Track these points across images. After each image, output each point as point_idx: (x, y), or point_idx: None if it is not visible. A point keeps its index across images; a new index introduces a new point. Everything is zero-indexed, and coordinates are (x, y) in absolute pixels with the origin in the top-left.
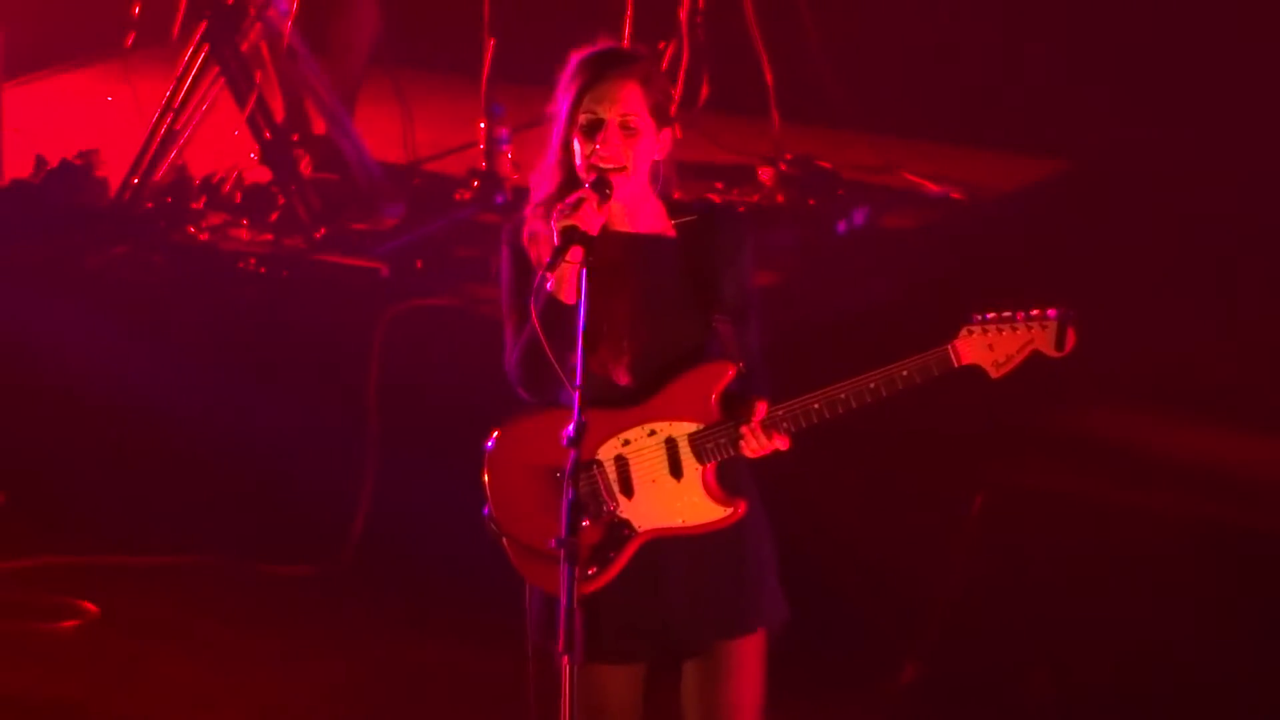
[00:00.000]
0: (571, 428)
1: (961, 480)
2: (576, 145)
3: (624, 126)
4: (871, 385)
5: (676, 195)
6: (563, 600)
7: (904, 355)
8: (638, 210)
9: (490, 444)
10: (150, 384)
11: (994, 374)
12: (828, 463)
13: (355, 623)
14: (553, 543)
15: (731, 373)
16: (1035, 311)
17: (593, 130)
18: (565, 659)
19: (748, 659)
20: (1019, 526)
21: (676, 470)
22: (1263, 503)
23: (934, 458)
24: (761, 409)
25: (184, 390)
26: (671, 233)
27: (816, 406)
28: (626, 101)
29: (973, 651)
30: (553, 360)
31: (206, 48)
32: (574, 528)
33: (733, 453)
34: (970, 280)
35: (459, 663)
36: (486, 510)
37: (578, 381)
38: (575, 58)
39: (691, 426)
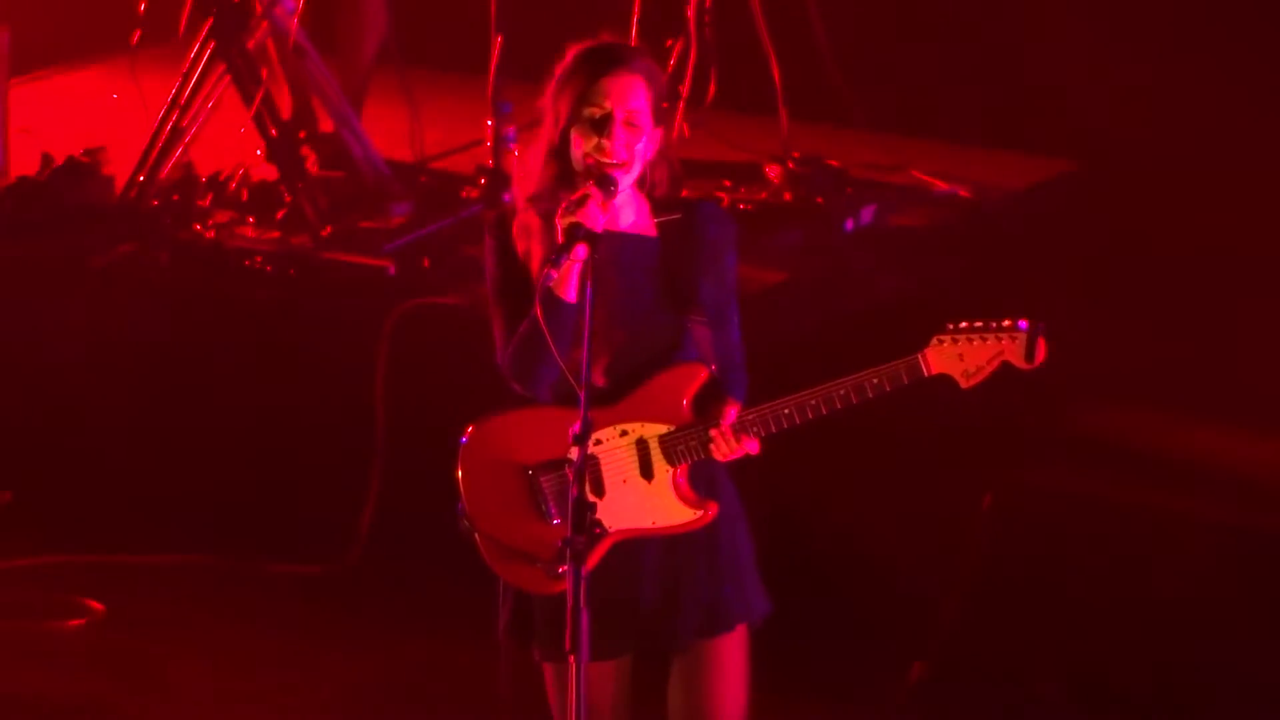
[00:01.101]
0: (578, 425)
1: (970, 479)
2: (575, 139)
3: (629, 123)
4: (842, 391)
5: (684, 194)
6: (569, 600)
7: (911, 354)
8: (621, 208)
9: (464, 440)
10: (156, 382)
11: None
12: (836, 461)
13: (362, 622)
14: (527, 545)
15: (704, 375)
16: (1006, 322)
17: (599, 125)
18: (571, 658)
19: (729, 656)
20: (1028, 526)
21: (647, 471)
22: (1274, 504)
23: (943, 456)
24: (732, 412)
25: (190, 388)
26: (653, 232)
27: (787, 411)
28: (634, 97)
29: (981, 651)
30: (557, 357)
31: (212, 45)
32: (580, 526)
33: (703, 455)
34: (978, 279)
35: (465, 660)
36: (460, 506)
37: (584, 379)
38: (575, 51)
39: (663, 428)
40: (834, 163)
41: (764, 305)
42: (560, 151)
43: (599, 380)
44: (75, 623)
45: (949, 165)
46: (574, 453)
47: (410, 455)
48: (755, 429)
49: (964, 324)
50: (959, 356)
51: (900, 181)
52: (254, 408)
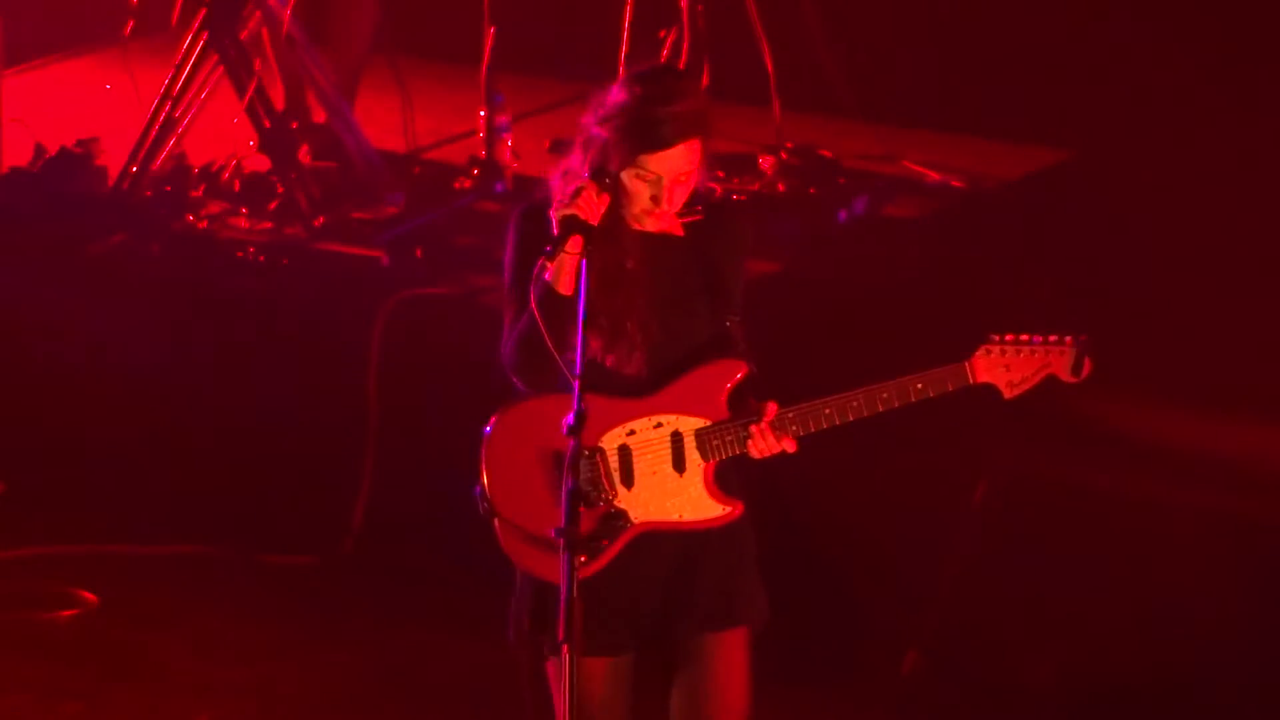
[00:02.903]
0: (571, 416)
1: (964, 467)
2: (628, 179)
3: (680, 182)
4: (885, 395)
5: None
6: (563, 589)
7: (905, 344)
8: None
9: (490, 424)
10: (149, 372)
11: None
12: (829, 449)
13: (356, 612)
14: (551, 532)
15: (743, 372)
16: (1054, 337)
17: (651, 188)
18: (565, 648)
19: (734, 654)
20: (1021, 514)
21: (680, 465)
22: (1269, 493)
23: (937, 444)
24: (772, 409)
25: (183, 379)
26: (679, 231)
27: (828, 411)
28: (684, 163)
29: (974, 640)
30: (551, 349)
31: (205, 36)
32: (574, 516)
33: (739, 451)
34: (971, 269)
35: (459, 651)
36: (477, 489)
37: (577, 370)
38: (633, 91)
39: (700, 422)
40: (827, 153)
41: (757, 296)
42: (608, 176)
43: (634, 372)
44: (68, 613)
45: (942, 155)
46: (603, 441)
47: (403, 446)
48: (794, 427)
49: (1009, 335)
50: (1005, 367)
51: (893, 172)
52: (247, 398)
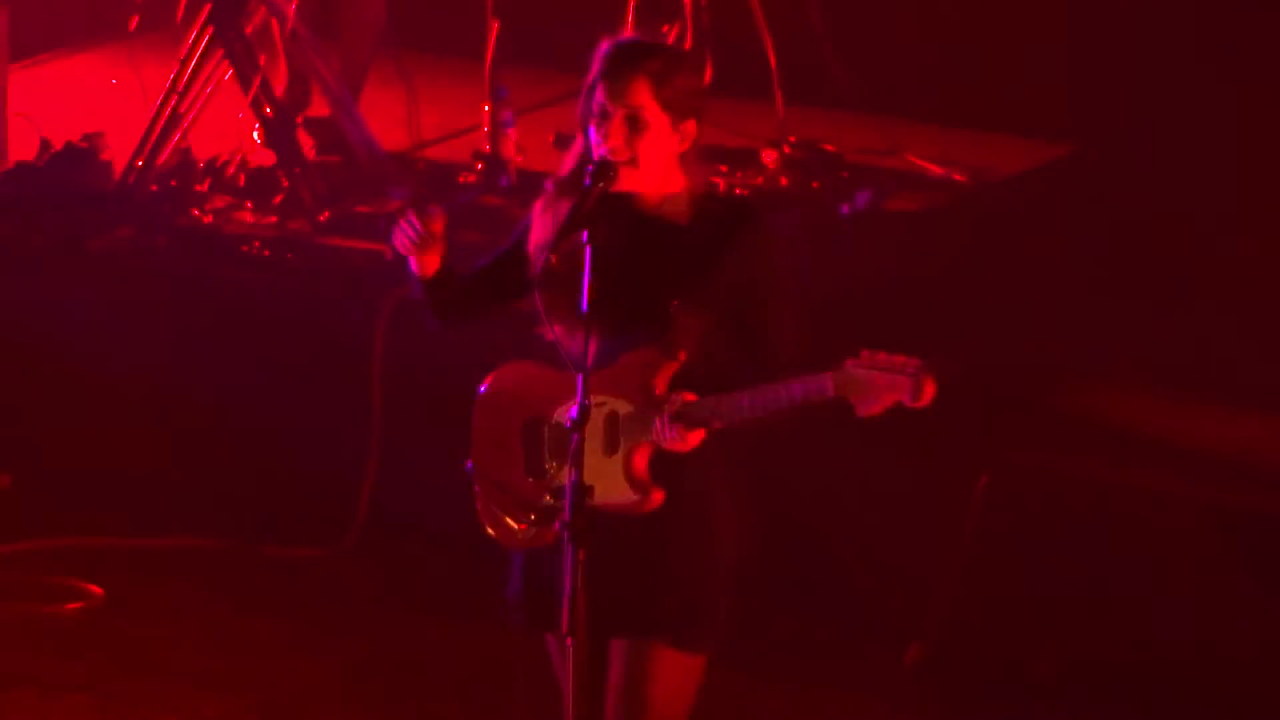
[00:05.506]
0: (575, 410)
1: (966, 460)
2: (592, 132)
3: (629, 120)
4: (768, 398)
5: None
6: (567, 581)
7: (905, 340)
8: (655, 196)
9: (484, 384)
10: (154, 366)
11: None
12: (831, 442)
13: (360, 605)
14: (499, 494)
15: (678, 360)
16: (900, 360)
17: (599, 121)
18: (569, 640)
19: (661, 667)
20: (1023, 506)
21: (612, 446)
22: (1269, 485)
23: (938, 437)
24: (677, 400)
25: (188, 373)
26: (682, 220)
27: (724, 409)
28: (634, 95)
29: (977, 632)
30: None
31: (210, 31)
32: (578, 511)
33: (647, 439)
34: (974, 263)
35: (464, 645)
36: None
37: (584, 369)
38: (601, 47)
39: (629, 406)
40: (830, 147)
41: None
42: (585, 142)
43: (590, 347)
44: (74, 606)
45: (945, 149)
46: (556, 414)
47: (407, 439)
48: (689, 421)
49: (880, 356)
50: (860, 384)
51: (896, 166)
52: (251, 391)
